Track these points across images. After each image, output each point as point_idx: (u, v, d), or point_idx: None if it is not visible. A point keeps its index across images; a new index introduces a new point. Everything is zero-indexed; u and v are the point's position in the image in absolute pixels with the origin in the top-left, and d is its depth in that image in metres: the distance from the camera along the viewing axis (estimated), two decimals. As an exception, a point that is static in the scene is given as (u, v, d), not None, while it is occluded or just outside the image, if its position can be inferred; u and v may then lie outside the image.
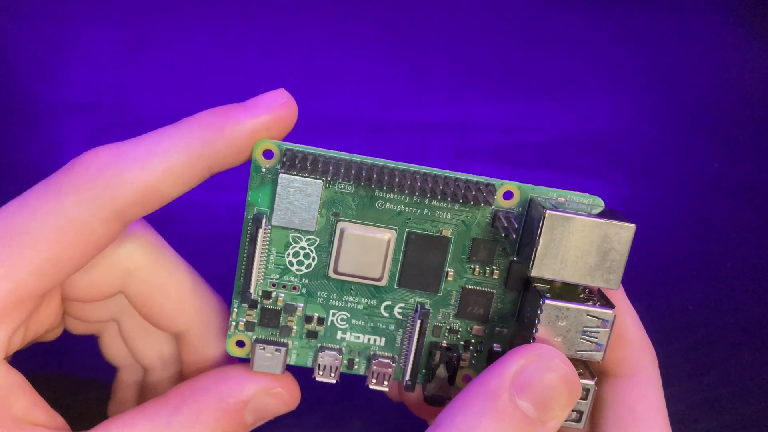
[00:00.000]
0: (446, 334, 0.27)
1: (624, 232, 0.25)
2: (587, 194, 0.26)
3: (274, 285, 0.27)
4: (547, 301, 0.24)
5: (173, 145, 0.24)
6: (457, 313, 0.27)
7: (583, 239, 0.25)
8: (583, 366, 0.25)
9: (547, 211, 0.24)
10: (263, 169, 0.26)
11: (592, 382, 0.24)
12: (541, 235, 0.24)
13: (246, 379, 0.26)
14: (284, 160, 0.26)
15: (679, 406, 0.37)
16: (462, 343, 0.27)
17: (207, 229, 0.39)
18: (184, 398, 0.25)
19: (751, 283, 0.39)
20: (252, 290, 0.26)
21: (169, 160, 0.24)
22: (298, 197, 0.26)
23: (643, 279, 0.39)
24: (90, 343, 0.32)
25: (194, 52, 0.41)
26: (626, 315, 0.26)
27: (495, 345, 0.27)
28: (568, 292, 0.25)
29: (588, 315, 0.24)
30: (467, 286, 0.27)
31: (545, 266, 0.25)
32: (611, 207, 0.43)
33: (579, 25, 0.44)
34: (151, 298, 0.28)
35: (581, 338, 0.24)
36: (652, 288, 0.39)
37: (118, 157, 0.24)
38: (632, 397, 0.26)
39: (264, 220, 0.26)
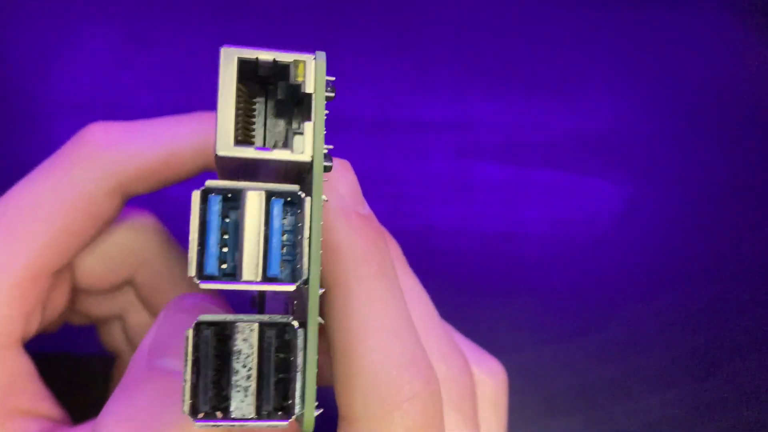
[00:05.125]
0: None
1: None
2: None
3: None
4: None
5: (182, 133, 0.25)
6: None
7: None
8: None
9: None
10: None
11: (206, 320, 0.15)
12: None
13: None
14: None
15: (683, 408, 0.37)
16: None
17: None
18: None
19: (757, 284, 0.38)
20: None
21: (175, 143, 0.24)
22: None
23: (646, 280, 0.39)
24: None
25: (192, 51, 0.41)
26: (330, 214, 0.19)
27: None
28: None
29: None
30: None
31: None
32: (614, 207, 0.43)
33: (583, 22, 0.43)
34: (159, 288, 0.28)
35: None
36: (656, 289, 0.39)
37: (127, 131, 0.24)
38: (347, 315, 0.19)
39: None
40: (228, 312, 0.19)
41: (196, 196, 0.15)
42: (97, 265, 0.27)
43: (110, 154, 0.24)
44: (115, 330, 0.31)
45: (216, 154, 0.15)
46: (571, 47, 0.43)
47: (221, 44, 0.17)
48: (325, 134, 0.18)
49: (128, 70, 0.41)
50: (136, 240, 0.28)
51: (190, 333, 0.15)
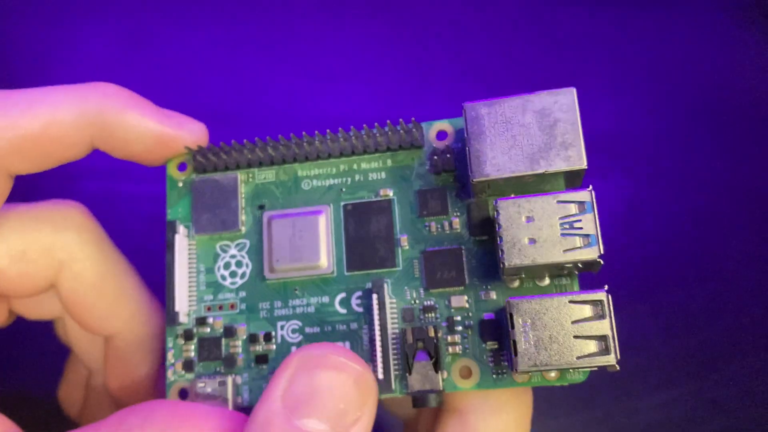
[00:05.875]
0: (421, 316, 0.21)
1: (563, 97, 0.21)
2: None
3: (209, 308, 0.23)
4: (499, 201, 0.19)
5: (65, 101, 0.22)
6: (427, 285, 0.21)
7: (519, 121, 0.20)
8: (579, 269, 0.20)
9: (465, 104, 0.20)
10: (180, 183, 0.24)
11: (602, 292, 0.19)
12: (469, 133, 0.20)
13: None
14: (195, 159, 0.23)
15: (682, 407, 0.36)
16: (444, 324, 0.21)
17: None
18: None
19: (756, 283, 0.38)
20: (180, 311, 0.23)
21: (55, 112, 0.22)
22: (217, 197, 0.23)
23: (647, 279, 0.39)
24: (37, 356, 0.31)
25: (190, 51, 0.41)
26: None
27: (486, 314, 0.21)
28: None
29: (559, 202, 0.19)
30: (428, 249, 0.22)
31: (486, 166, 0.20)
32: (616, 207, 0.43)
33: (582, 22, 0.43)
34: (83, 295, 0.25)
35: (562, 234, 0.19)
36: (656, 289, 0.39)
37: None
38: None
39: (180, 227, 0.23)
40: (355, 360, 0.20)
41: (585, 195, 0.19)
42: (12, 267, 0.24)
43: None
44: (60, 327, 0.29)
45: (581, 168, 0.20)
46: (570, 47, 0.43)
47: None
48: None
49: (128, 70, 0.41)
50: (57, 239, 0.24)
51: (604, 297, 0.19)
